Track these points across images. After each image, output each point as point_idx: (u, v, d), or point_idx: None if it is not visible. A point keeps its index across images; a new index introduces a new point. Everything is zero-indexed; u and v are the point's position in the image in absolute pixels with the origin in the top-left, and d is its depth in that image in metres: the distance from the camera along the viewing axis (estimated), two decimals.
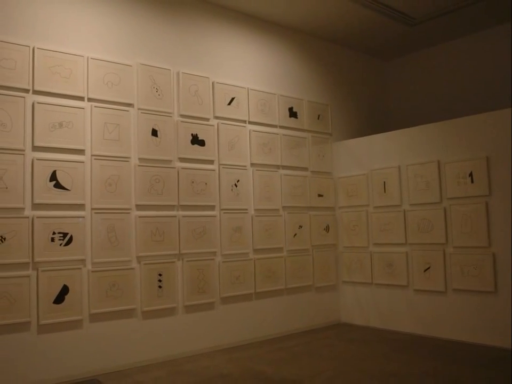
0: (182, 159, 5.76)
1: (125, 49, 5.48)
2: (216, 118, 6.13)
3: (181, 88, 5.83)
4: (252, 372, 4.92)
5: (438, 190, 6.18)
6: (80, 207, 4.98)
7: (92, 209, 5.04)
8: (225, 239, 6.03)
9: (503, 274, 5.59)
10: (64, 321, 4.79)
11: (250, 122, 6.48)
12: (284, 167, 6.78)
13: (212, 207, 5.97)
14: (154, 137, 5.54)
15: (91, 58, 5.17)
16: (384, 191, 6.76)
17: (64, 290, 4.80)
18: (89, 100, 5.13)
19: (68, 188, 4.89)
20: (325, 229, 7.17)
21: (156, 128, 5.56)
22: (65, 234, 4.83)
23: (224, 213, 6.05)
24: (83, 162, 5.01)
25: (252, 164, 6.42)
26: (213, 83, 6.15)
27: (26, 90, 4.76)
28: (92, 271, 4.98)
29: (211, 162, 6.02)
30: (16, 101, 4.67)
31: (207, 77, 6.10)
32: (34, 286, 4.66)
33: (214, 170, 6.01)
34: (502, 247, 5.61)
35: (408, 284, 6.47)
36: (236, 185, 6.19)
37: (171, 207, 5.61)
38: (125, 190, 5.26)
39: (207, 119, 6.05)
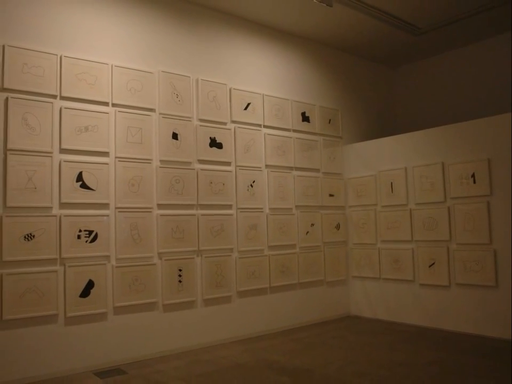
0: (201, 161, 5.67)
1: (147, 58, 5.40)
2: (233, 122, 6.04)
3: (200, 94, 5.74)
4: (266, 362, 4.84)
5: (442, 190, 6.11)
6: (105, 206, 4.91)
7: (116, 208, 4.96)
8: (241, 236, 5.94)
9: (503, 269, 5.53)
10: (90, 313, 4.73)
11: (265, 126, 6.39)
12: (297, 169, 6.68)
13: (229, 206, 5.88)
14: (174, 140, 5.46)
15: (115, 66, 5.10)
16: (392, 191, 6.67)
17: (90, 284, 4.73)
18: (113, 105, 5.06)
19: (93, 188, 4.82)
20: (335, 227, 7.06)
21: (176, 132, 5.48)
22: (90, 232, 4.76)
23: (240, 211, 5.96)
24: (107, 164, 4.94)
25: (267, 166, 6.32)
26: (230, 89, 6.06)
27: (54, 96, 4.70)
28: (116, 267, 4.91)
29: (228, 164, 5.93)
30: (44, 106, 4.61)
31: (224, 84, 6.01)
32: (62, 281, 4.60)
33: (231, 171, 5.92)
34: (503, 244, 5.54)
35: (414, 279, 6.39)
36: (251, 186, 6.09)
37: (190, 206, 5.52)
38: (147, 190, 5.19)
39: (225, 123, 5.96)
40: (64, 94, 4.74)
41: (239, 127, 6.07)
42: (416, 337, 5.74)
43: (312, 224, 6.76)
